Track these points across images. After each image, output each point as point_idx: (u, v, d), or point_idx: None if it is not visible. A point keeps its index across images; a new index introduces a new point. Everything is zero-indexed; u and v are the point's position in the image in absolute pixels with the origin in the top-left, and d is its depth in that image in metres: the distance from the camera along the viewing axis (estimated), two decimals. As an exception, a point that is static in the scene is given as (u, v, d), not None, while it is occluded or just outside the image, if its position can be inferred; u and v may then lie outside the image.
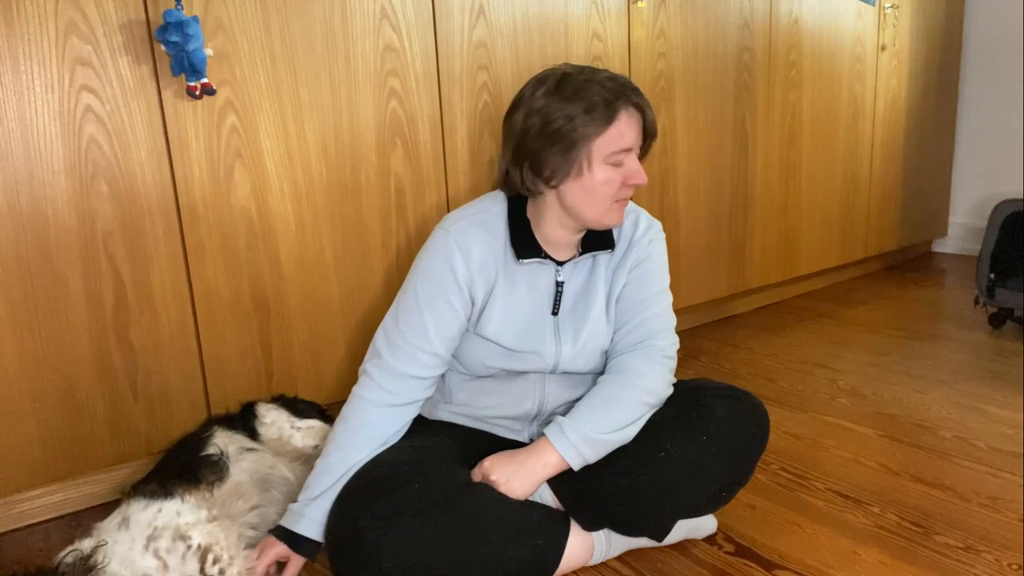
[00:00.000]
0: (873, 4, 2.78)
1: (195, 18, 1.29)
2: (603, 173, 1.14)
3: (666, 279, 1.29)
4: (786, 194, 2.64)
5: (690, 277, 2.37)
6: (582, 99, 1.11)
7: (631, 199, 1.25)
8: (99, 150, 1.33)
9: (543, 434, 1.16)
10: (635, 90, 1.15)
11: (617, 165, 1.15)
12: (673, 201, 2.27)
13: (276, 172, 1.52)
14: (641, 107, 1.15)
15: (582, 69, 1.15)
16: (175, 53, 1.31)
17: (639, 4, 2.03)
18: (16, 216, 1.28)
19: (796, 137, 2.62)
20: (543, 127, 1.13)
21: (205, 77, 1.35)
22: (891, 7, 2.87)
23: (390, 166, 1.67)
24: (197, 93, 1.36)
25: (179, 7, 1.30)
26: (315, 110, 1.55)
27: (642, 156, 1.20)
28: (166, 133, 1.39)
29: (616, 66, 2.03)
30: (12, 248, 1.28)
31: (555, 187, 1.17)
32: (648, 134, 1.18)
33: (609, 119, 1.12)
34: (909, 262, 3.46)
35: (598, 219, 1.18)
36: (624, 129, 1.13)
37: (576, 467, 1.14)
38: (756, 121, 2.45)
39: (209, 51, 1.36)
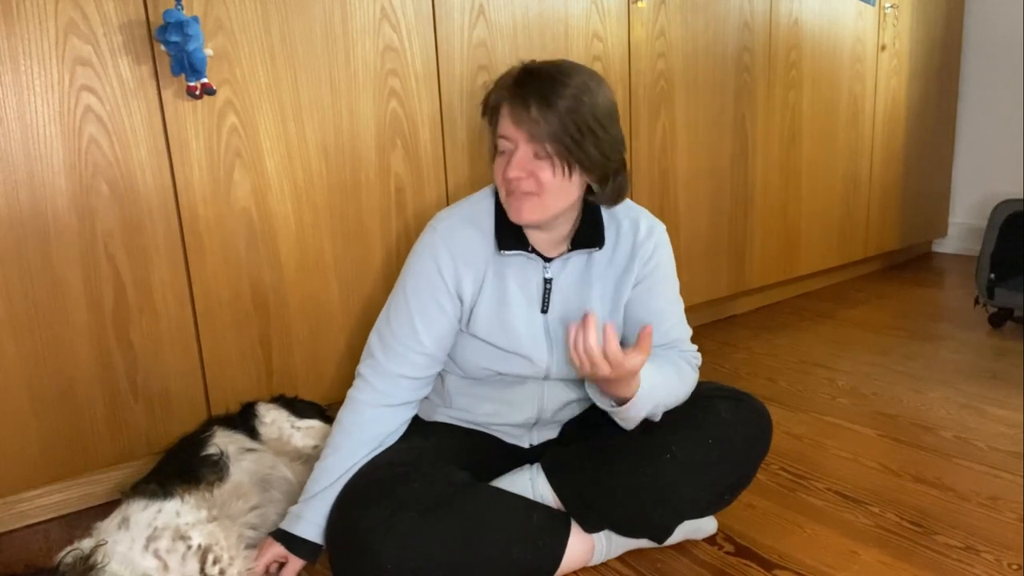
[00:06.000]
0: (873, 4, 2.78)
1: (195, 18, 1.29)
2: (496, 158, 1.16)
3: (677, 284, 1.28)
4: (786, 194, 2.64)
5: (690, 277, 2.36)
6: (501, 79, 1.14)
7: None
8: (99, 150, 1.33)
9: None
10: (526, 86, 1.07)
11: (501, 153, 1.14)
12: (673, 201, 2.26)
13: (276, 172, 1.52)
14: (525, 103, 1.06)
15: (553, 60, 1.14)
16: (175, 53, 1.31)
17: (639, 4, 2.03)
18: (16, 216, 1.28)
19: (796, 137, 2.62)
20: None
21: (205, 77, 1.35)
22: (891, 7, 2.86)
23: (390, 166, 1.67)
24: (197, 93, 1.36)
25: (179, 7, 1.30)
26: (315, 110, 1.54)
27: (563, 158, 1.08)
28: (166, 133, 1.39)
29: (616, 66, 2.03)
30: (12, 248, 1.28)
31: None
32: (534, 135, 1.07)
33: (497, 102, 1.13)
34: (909, 262, 3.46)
35: (507, 211, 1.16)
36: (501, 117, 1.12)
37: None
38: (756, 121, 2.45)
39: (209, 51, 1.36)
